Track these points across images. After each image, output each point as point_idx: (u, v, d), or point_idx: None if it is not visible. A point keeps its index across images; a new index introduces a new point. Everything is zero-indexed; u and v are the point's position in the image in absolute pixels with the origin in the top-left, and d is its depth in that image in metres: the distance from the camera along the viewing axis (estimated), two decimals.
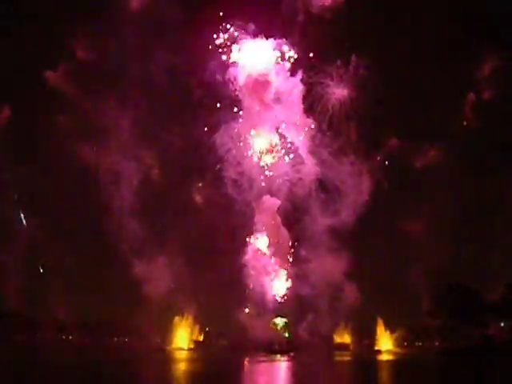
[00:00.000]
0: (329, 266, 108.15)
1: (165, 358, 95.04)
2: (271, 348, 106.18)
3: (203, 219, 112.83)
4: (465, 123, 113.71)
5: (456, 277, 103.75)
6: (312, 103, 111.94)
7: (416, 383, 57.21)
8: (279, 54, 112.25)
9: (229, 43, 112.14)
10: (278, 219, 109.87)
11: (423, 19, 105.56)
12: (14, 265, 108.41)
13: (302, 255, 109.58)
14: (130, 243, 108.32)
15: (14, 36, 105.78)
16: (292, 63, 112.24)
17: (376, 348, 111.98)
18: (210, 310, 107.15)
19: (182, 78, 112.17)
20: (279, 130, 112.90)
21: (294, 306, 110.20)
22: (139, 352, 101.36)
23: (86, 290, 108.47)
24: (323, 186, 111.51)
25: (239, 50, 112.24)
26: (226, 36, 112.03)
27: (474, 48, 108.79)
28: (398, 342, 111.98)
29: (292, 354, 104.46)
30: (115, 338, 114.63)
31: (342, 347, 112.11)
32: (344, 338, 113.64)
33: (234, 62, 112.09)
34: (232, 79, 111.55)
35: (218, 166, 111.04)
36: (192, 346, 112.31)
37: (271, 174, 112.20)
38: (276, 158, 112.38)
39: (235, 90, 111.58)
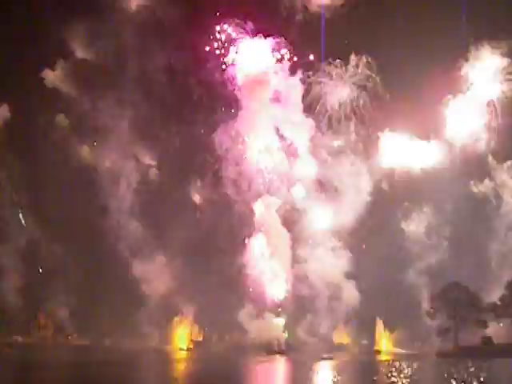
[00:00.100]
0: (328, 266, 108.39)
1: (164, 358, 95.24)
2: (270, 348, 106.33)
3: (202, 219, 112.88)
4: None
5: (455, 277, 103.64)
6: (311, 103, 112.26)
7: None
8: (278, 54, 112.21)
9: (227, 42, 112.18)
10: (278, 219, 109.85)
11: (423, 18, 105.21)
12: (13, 265, 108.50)
13: (301, 255, 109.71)
14: (128, 243, 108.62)
15: (12, 36, 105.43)
16: (291, 63, 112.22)
17: (375, 348, 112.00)
18: (209, 310, 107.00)
19: (180, 78, 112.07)
20: (278, 130, 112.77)
21: (293, 306, 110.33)
22: (138, 352, 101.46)
23: (86, 291, 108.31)
24: (322, 185, 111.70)
25: (238, 49, 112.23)
26: (225, 35, 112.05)
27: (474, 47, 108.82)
28: (397, 343, 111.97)
29: (291, 354, 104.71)
30: (114, 339, 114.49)
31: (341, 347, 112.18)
32: (343, 338, 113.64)
33: (232, 62, 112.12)
34: (231, 79, 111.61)
35: (217, 166, 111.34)
36: (191, 346, 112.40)
37: (270, 173, 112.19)
38: (275, 158, 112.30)
39: (234, 89, 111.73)
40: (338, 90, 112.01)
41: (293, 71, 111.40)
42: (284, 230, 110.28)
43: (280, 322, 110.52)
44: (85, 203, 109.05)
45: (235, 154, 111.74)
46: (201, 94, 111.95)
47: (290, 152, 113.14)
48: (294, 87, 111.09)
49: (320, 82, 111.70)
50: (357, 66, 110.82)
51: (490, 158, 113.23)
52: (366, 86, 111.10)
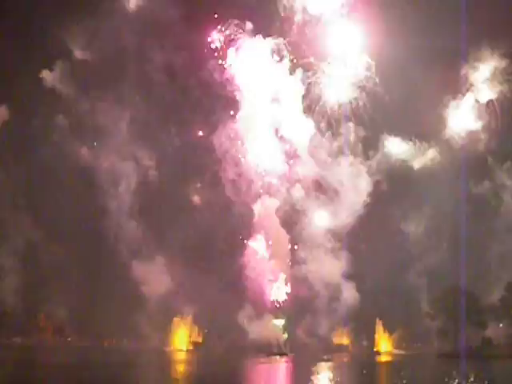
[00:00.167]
0: (327, 266, 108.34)
1: (164, 359, 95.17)
2: (270, 349, 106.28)
3: (201, 220, 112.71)
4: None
5: (455, 278, 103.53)
6: (310, 103, 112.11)
7: None
8: (277, 54, 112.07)
9: (226, 43, 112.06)
10: (277, 220, 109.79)
11: (423, 19, 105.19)
12: (12, 266, 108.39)
13: (300, 256, 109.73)
14: (128, 244, 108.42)
15: (10, 35, 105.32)
16: (290, 63, 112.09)
17: (375, 349, 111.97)
18: (209, 312, 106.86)
19: (179, 79, 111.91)
20: (277, 131, 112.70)
21: (293, 307, 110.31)
22: (138, 353, 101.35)
23: (85, 292, 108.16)
24: (322, 186, 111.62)
25: (237, 49, 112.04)
26: (224, 35, 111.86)
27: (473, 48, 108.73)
28: (397, 344, 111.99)
29: (291, 355, 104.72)
30: (114, 340, 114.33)
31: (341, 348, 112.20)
32: (343, 339, 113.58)
33: (231, 62, 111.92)
34: (230, 79, 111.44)
35: (216, 167, 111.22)
36: (191, 348, 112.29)
37: (269, 174, 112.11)
38: (274, 159, 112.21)
39: (233, 90, 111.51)
40: (338, 91, 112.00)
41: (292, 72, 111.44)
42: (283, 231, 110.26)
43: (280, 322, 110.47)
44: (84, 204, 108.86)
45: (234, 154, 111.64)
46: (200, 95, 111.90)
47: (290, 153, 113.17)
48: (293, 88, 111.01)
49: (319, 83, 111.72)
50: (356, 66, 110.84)
51: (490, 158, 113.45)
52: (366, 86, 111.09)
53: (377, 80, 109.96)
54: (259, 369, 79.77)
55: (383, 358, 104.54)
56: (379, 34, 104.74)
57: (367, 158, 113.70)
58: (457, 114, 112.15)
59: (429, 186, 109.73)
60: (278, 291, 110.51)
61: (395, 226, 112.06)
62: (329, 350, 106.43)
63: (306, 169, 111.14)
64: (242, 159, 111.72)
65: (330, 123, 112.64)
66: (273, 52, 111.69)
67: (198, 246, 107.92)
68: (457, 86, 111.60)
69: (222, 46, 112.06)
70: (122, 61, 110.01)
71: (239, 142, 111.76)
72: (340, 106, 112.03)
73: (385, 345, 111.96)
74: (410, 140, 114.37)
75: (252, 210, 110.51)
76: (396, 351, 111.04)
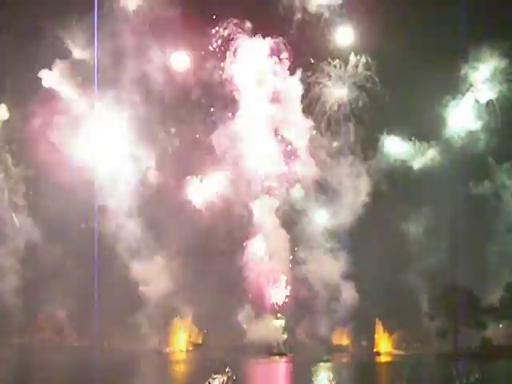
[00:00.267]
0: (327, 267, 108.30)
1: (163, 360, 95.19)
2: (270, 350, 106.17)
3: (200, 220, 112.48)
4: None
5: (455, 278, 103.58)
6: (310, 103, 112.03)
7: None
8: (277, 54, 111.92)
9: (225, 42, 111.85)
10: (276, 221, 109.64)
11: (423, 18, 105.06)
12: (11, 266, 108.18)
13: (300, 257, 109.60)
14: (127, 244, 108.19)
15: (8, 35, 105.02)
16: (290, 63, 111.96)
17: (375, 350, 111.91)
18: (209, 312, 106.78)
19: (179, 78, 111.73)
20: (277, 131, 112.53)
21: (293, 307, 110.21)
22: (137, 354, 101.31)
23: (84, 292, 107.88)
24: (321, 187, 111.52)
25: (236, 49, 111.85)
26: (223, 35, 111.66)
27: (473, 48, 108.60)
28: (397, 344, 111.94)
29: (291, 356, 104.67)
30: (113, 340, 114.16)
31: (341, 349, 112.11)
32: (342, 339, 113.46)
33: (231, 62, 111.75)
34: (229, 79, 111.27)
35: (216, 167, 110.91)
36: (190, 348, 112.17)
37: (269, 175, 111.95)
38: (274, 159, 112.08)
39: (232, 90, 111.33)
40: (337, 91, 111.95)
41: (292, 71, 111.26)
42: (283, 232, 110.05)
43: (279, 323, 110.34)
44: (83, 204, 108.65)
45: (234, 154, 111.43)
46: (199, 95, 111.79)
47: (289, 153, 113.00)
48: (292, 88, 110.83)
49: (319, 83, 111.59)
50: (356, 66, 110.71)
51: (490, 158, 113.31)
52: (366, 86, 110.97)
53: (377, 80, 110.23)
54: (259, 369, 79.67)
55: (383, 359, 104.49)
56: (379, 34, 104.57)
57: (367, 158, 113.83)
58: (456, 113, 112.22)
59: (428, 186, 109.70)
60: (278, 292, 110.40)
61: (395, 226, 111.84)
62: (328, 351, 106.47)
63: (306, 169, 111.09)
64: (241, 159, 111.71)
65: (329, 123, 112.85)
66: (272, 52, 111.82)
67: (198, 247, 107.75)
68: (456, 86, 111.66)
69: (221, 46, 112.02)
70: (121, 60, 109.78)
71: (238, 142, 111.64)
72: (340, 105, 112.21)
73: (385, 345, 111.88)
74: (410, 140, 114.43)
75: (251, 210, 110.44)
76: (396, 351, 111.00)
